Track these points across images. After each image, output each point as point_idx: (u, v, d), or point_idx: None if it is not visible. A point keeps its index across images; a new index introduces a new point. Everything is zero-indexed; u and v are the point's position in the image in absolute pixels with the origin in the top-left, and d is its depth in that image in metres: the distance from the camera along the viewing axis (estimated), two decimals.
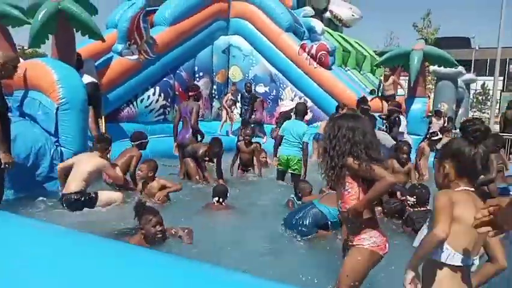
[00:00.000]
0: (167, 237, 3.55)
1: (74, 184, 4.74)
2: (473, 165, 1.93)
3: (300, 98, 11.36)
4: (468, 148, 1.94)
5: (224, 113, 11.35)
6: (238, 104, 11.41)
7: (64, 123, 5.68)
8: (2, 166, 3.90)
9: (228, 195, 4.93)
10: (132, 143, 6.11)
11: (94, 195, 4.83)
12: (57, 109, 5.61)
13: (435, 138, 6.96)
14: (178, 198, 5.36)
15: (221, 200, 4.81)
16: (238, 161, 7.27)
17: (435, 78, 18.01)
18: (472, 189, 1.97)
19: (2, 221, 2.87)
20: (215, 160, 6.50)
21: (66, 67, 5.98)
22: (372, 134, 2.43)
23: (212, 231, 4.23)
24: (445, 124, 13.17)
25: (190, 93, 6.91)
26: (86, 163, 4.93)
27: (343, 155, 2.33)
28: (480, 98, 41.64)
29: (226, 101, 11.22)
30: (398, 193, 4.85)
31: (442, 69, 13.65)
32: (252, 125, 10.02)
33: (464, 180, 1.98)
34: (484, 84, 40.48)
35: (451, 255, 1.85)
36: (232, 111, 11.27)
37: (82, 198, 4.72)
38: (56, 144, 5.68)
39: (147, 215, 3.46)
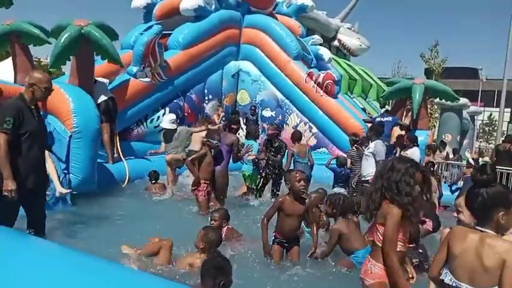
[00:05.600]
0: None
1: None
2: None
3: (305, 123, 11.64)
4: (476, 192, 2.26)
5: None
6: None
7: (75, 151, 5.92)
8: (5, 194, 3.49)
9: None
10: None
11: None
12: (70, 137, 5.84)
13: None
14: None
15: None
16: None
17: (439, 109, 18.24)
18: (481, 228, 2.23)
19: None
20: None
21: (83, 96, 6.26)
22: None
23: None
24: (449, 156, 13.33)
25: (233, 126, 6.68)
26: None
27: None
28: (487, 128, 41.68)
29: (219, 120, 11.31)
30: None
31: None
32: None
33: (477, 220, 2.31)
34: (491, 115, 40.61)
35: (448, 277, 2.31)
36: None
37: None
38: (65, 172, 5.84)
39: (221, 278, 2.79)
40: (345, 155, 8.77)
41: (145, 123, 9.65)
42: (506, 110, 25.94)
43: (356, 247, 4.19)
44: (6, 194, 3.48)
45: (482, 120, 40.19)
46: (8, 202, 3.53)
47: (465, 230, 2.31)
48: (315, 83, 11.31)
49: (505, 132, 29.43)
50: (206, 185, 6.03)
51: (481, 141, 39.51)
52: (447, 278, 2.28)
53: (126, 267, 3.04)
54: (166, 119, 8.24)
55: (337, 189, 8.12)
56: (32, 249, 2.78)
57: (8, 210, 3.63)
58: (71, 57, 7.28)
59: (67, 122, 5.91)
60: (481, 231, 2.22)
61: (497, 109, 25.77)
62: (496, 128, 31.26)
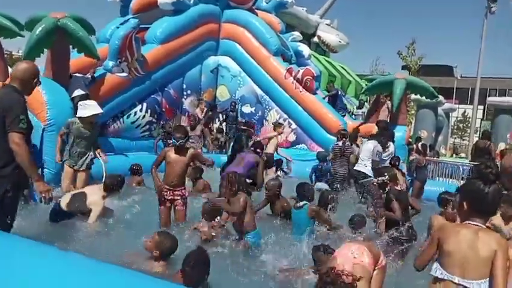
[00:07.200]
0: None
1: None
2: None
3: (284, 120, 11.63)
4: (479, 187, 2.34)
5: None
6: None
7: (48, 144, 5.76)
8: (40, 197, 3.20)
9: None
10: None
11: None
12: (43, 130, 5.67)
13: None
14: None
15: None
16: None
17: (415, 106, 18.60)
18: (475, 223, 2.33)
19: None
20: None
21: (57, 89, 6.10)
22: None
23: None
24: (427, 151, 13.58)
25: (258, 151, 6.48)
26: None
27: None
28: (461, 125, 42.74)
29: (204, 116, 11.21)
30: None
31: (423, 98, 14.12)
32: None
33: (472, 215, 2.37)
34: (464, 112, 41.66)
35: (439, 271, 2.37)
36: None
37: None
38: (38, 165, 5.66)
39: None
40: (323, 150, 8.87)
41: (121, 119, 9.44)
42: (479, 107, 26.70)
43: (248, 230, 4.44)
44: (43, 195, 3.17)
45: (457, 117, 41.20)
46: (15, 201, 3.22)
47: (456, 226, 2.42)
48: (294, 79, 11.32)
49: (478, 128, 30.24)
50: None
51: (455, 138, 40.54)
52: (437, 272, 2.35)
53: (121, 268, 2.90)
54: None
55: (319, 185, 8.17)
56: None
57: (13, 210, 3.28)
58: (46, 50, 7.05)
59: (40, 115, 5.74)
60: (474, 225, 2.33)
61: (471, 106, 26.52)
62: (469, 125, 32.15)
